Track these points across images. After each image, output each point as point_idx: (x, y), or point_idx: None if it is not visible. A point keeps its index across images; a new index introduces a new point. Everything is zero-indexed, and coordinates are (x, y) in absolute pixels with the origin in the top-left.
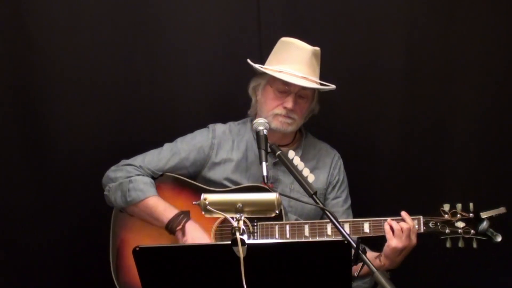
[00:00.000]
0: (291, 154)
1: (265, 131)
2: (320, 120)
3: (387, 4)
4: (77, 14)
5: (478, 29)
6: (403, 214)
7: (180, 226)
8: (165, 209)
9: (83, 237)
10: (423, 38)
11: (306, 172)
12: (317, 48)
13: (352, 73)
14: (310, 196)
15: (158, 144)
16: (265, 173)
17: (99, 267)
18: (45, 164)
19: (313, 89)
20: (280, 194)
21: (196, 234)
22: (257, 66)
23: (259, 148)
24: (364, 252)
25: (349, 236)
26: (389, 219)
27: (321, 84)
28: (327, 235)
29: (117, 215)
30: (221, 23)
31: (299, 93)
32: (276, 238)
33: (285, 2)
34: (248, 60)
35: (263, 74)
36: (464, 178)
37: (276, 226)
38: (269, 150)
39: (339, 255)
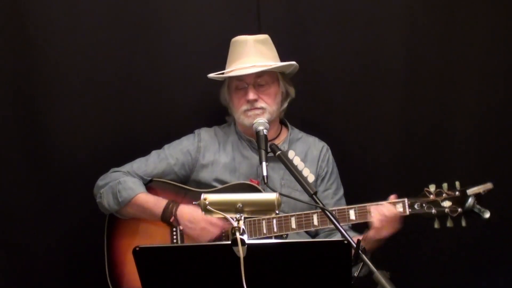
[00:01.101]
0: (291, 154)
1: (265, 131)
2: (320, 119)
3: (387, 4)
4: (77, 14)
5: (478, 29)
6: (387, 203)
7: (172, 218)
8: (155, 204)
9: (83, 238)
10: (423, 38)
11: (306, 172)
12: (261, 35)
13: (352, 73)
14: (310, 196)
15: (158, 144)
16: (265, 173)
17: (99, 267)
18: (45, 164)
19: (274, 73)
20: (280, 194)
21: (188, 217)
22: (212, 75)
23: (259, 148)
24: (364, 252)
25: (349, 236)
26: (372, 207)
27: (275, 66)
28: (314, 226)
29: (109, 221)
30: (221, 23)
31: (257, 82)
32: (264, 233)
33: (285, 2)
34: (208, 75)
35: (224, 80)
36: (464, 177)
37: (263, 221)
38: (269, 150)
39: (339, 255)
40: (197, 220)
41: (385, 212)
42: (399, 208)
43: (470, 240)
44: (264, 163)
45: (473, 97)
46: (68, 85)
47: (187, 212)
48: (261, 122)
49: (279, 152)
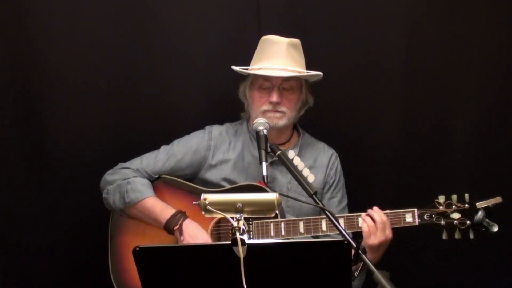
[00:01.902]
0: (291, 154)
1: (265, 131)
2: (321, 119)
3: (387, 4)
4: (77, 14)
5: (478, 29)
6: (375, 208)
7: (178, 226)
8: (162, 210)
9: (83, 237)
10: (423, 38)
11: (306, 172)
12: (294, 39)
13: (353, 73)
14: (310, 196)
15: (157, 144)
16: (265, 173)
17: (99, 267)
18: (45, 164)
19: (299, 80)
20: (280, 194)
21: (193, 232)
22: (238, 68)
23: (259, 148)
24: (364, 252)
25: (349, 236)
26: (363, 214)
27: (305, 74)
28: (322, 231)
29: (114, 218)
30: (221, 23)
31: (283, 85)
32: (271, 236)
33: (285, 2)
34: (232, 67)
35: (248, 76)
36: (464, 178)
37: (271, 224)
38: (269, 150)
39: (339, 255)
40: (197, 239)
41: (375, 217)
42: (408, 218)
43: (470, 241)
44: (264, 163)
45: (473, 97)
46: (68, 85)
47: (192, 227)
48: (261, 122)
49: (279, 152)
